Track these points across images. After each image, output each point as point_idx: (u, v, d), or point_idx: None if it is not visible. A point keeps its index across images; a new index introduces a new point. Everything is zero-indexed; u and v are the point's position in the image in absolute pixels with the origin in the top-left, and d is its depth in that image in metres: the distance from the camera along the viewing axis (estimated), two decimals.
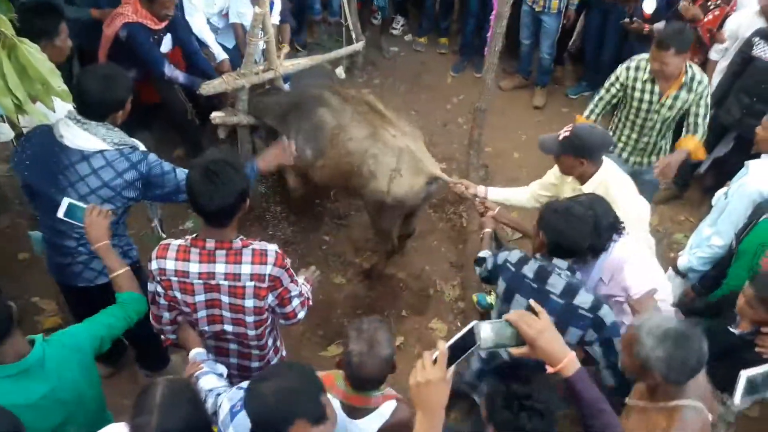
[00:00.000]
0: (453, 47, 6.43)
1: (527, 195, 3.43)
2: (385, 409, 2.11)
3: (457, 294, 4.20)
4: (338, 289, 4.18)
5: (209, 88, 3.78)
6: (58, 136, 2.56)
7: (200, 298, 2.26)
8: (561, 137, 2.96)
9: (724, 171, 4.08)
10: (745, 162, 3.24)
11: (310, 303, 2.55)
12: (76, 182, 2.56)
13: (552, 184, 3.30)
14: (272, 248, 2.25)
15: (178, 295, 2.25)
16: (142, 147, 2.75)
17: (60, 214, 2.47)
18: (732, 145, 4.58)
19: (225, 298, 2.25)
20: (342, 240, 4.49)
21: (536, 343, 1.67)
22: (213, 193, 2.07)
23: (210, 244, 2.19)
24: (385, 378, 2.08)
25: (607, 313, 2.40)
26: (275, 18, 4.48)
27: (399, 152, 3.53)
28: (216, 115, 3.93)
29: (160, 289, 2.27)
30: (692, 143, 3.62)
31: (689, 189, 4.95)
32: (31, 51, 1.94)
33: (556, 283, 2.42)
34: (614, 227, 2.61)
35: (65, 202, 2.47)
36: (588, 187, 2.97)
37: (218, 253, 2.19)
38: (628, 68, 3.69)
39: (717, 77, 4.54)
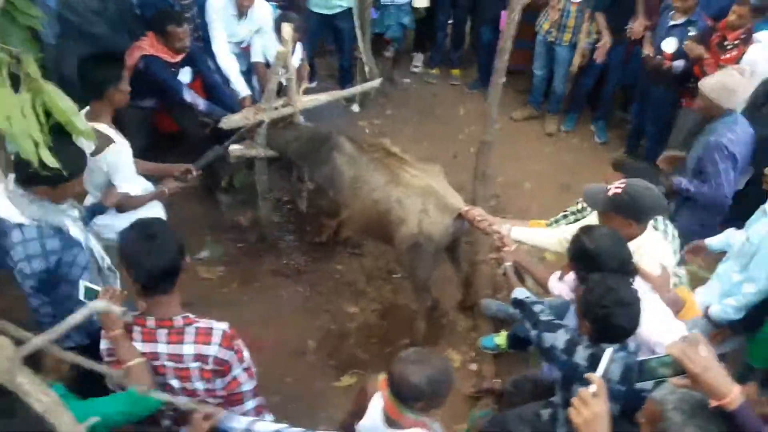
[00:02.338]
0: (465, 79, 6.52)
1: (553, 239, 3.21)
2: None
3: (470, 324, 4.19)
4: (351, 319, 4.19)
5: (230, 122, 3.89)
6: None
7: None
8: (611, 193, 2.67)
9: (743, 203, 4.02)
10: (762, 207, 3.17)
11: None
12: (7, 254, 2.43)
13: None
14: (219, 327, 2.08)
15: None
16: (73, 229, 2.51)
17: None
18: (750, 176, 4.57)
19: (175, 383, 2.10)
20: (355, 269, 4.52)
21: (700, 379, 1.67)
22: (151, 251, 1.99)
23: (150, 322, 2.07)
24: (418, 399, 2.06)
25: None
26: (296, 61, 4.60)
27: (422, 192, 3.55)
28: (235, 148, 4.01)
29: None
30: (683, 296, 2.96)
31: None
32: (56, 92, 2.00)
33: (614, 370, 2.26)
34: (623, 270, 2.45)
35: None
36: None
37: (159, 332, 2.06)
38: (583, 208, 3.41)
39: None
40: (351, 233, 4.45)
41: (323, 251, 4.60)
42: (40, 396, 1.07)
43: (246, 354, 2.14)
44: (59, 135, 2.02)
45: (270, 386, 3.68)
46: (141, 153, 4.39)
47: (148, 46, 3.93)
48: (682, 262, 3.16)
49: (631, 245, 2.70)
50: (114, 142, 3.03)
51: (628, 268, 2.50)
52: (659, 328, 2.46)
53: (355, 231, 4.13)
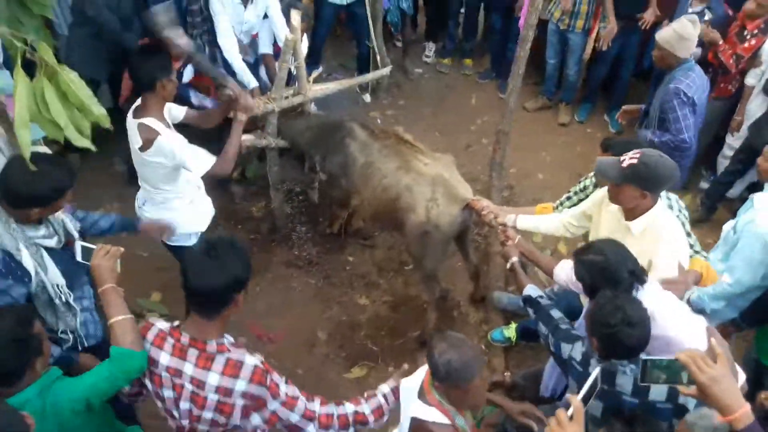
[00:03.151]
0: (477, 69, 6.47)
1: (558, 223, 3.26)
2: (427, 412, 2.12)
3: (481, 316, 4.18)
4: (362, 310, 4.19)
5: None
6: None
7: (168, 393, 2.03)
8: (626, 164, 2.62)
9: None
10: (751, 195, 3.10)
11: (374, 420, 2.26)
12: None
13: (586, 215, 3.10)
14: (251, 362, 1.97)
15: (147, 383, 2.07)
16: (26, 259, 2.36)
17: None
18: None
19: (184, 404, 2.02)
20: (366, 261, 4.52)
21: (707, 390, 1.61)
22: (206, 269, 1.90)
23: (185, 338, 1.99)
24: (435, 375, 2.09)
25: (688, 399, 2.16)
26: (304, 49, 4.56)
27: (432, 181, 3.55)
28: (246, 138, 3.99)
29: None
30: (700, 266, 3.00)
31: (717, 212, 4.88)
32: (71, 77, 2.00)
33: (624, 383, 2.25)
34: (635, 275, 2.40)
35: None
36: (637, 224, 2.71)
37: (190, 351, 1.98)
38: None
39: (754, 101, 4.53)
40: (362, 223, 4.44)
41: (335, 242, 4.59)
42: None
43: (282, 387, 2.05)
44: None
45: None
46: None
47: None
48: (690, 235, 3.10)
49: (644, 220, 2.70)
50: (159, 134, 2.93)
51: (638, 270, 2.44)
52: (680, 329, 2.40)
53: (366, 219, 4.13)
